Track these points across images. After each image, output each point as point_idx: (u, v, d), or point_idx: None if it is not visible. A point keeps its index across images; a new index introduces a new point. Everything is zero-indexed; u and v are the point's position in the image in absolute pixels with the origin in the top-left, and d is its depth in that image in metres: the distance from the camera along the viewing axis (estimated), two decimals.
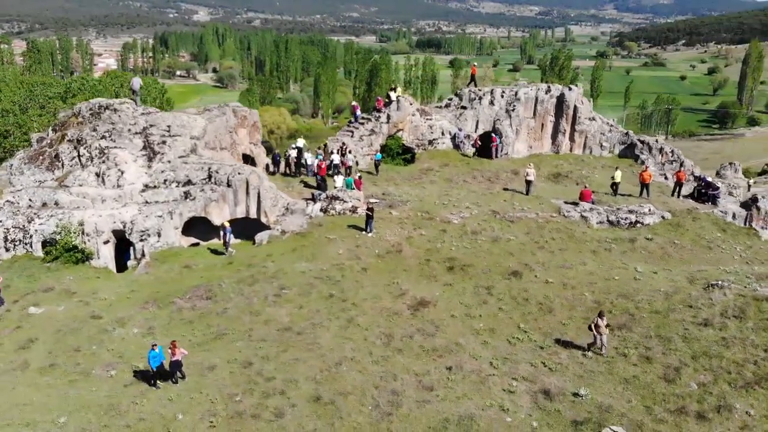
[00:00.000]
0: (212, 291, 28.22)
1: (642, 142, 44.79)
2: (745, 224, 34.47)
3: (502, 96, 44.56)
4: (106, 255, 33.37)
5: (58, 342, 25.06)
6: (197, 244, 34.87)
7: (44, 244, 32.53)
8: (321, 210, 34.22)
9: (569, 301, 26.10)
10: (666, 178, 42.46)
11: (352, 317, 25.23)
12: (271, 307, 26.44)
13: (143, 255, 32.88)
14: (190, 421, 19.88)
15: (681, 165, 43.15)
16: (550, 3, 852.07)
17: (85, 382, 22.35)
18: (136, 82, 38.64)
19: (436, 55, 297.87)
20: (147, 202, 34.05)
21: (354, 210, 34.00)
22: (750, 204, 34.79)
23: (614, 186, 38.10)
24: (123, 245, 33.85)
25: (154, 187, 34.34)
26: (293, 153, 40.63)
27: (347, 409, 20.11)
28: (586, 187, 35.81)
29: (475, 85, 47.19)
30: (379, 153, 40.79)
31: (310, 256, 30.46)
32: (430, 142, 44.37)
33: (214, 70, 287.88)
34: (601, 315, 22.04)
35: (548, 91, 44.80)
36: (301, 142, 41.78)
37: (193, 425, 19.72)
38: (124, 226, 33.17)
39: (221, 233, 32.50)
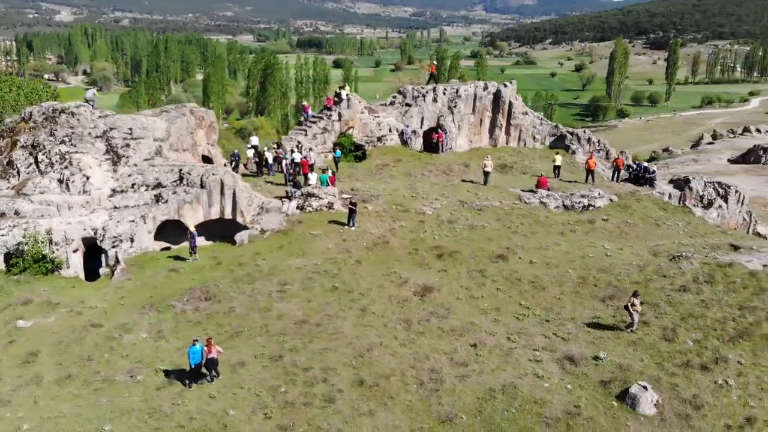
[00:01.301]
0: (210, 292, 28.15)
1: (571, 133, 48.61)
2: (679, 203, 38.69)
3: (444, 93, 46.76)
4: (76, 264, 32.14)
5: (64, 353, 24.25)
6: (168, 248, 34.35)
7: (7, 256, 30.91)
8: (297, 207, 34.73)
9: (556, 278, 28.50)
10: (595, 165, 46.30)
11: (365, 306, 26.22)
12: (279, 303, 26.87)
13: (117, 261, 32.00)
14: (244, 415, 20.25)
15: (607, 153, 47.26)
16: (423, 4, 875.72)
17: (112, 389, 21.96)
18: (90, 93, 37.74)
19: (318, 55, 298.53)
20: (116, 207, 33.06)
21: (330, 206, 34.80)
22: (683, 185, 39.07)
23: (556, 169, 41.87)
24: (91, 253, 32.80)
25: (122, 191, 33.40)
26: (251, 152, 40.67)
27: (394, 390, 21.23)
28: (542, 175, 38.78)
29: (436, 82, 49.14)
30: (338, 150, 41.68)
31: (300, 252, 31.02)
32: (379, 139, 45.78)
33: (85, 72, 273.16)
34: (636, 294, 23.96)
35: (486, 88, 47.54)
36: (255, 140, 41.87)
37: (248, 418, 20.11)
38: (95, 233, 32.12)
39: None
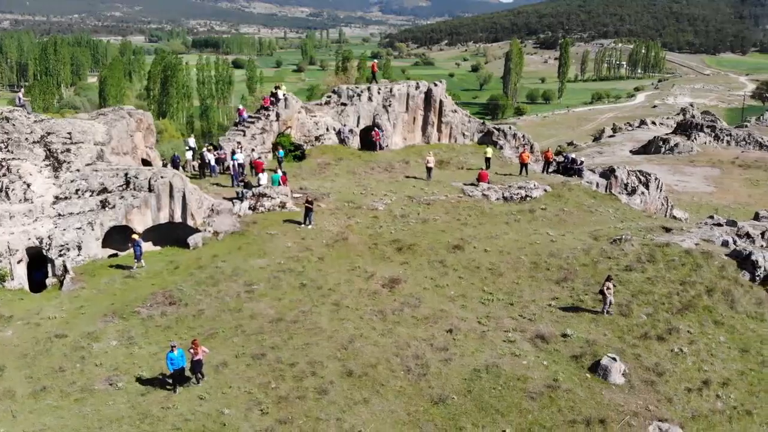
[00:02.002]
0: (174, 296, 27.77)
1: (498, 129, 50.93)
2: (606, 191, 41.59)
3: (379, 92, 47.78)
4: (20, 275, 30.79)
5: (32, 366, 23.38)
6: (116, 255, 33.43)
7: None
8: (249, 208, 34.69)
9: (512, 264, 30.14)
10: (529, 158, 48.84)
11: (337, 301, 26.77)
12: (249, 303, 26.94)
13: (66, 270, 30.86)
14: (239, 413, 20.41)
15: (531, 147, 49.91)
16: (319, 5, 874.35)
17: (94, 399, 21.50)
18: (19, 96, 36.23)
19: (215, 55, 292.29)
20: (60, 214, 31.84)
21: (283, 205, 35.00)
22: (609, 174, 42.02)
23: (487, 161, 44.10)
24: (32, 263, 31.46)
25: (66, 198, 32.21)
26: (189, 154, 40.09)
27: (383, 377, 22.00)
28: (482, 169, 40.58)
29: (376, 82, 49.87)
30: (281, 150, 41.75)
31: (260, 252, 31.08)
32: (317, 138, 46.19)
33: None
34: (609, 279, 25.45)
35: (417, 87, 48.99)
36: (192, 141, 41.30)
37: (245, 416, 20.30)
38: (41, 242, 30.88)
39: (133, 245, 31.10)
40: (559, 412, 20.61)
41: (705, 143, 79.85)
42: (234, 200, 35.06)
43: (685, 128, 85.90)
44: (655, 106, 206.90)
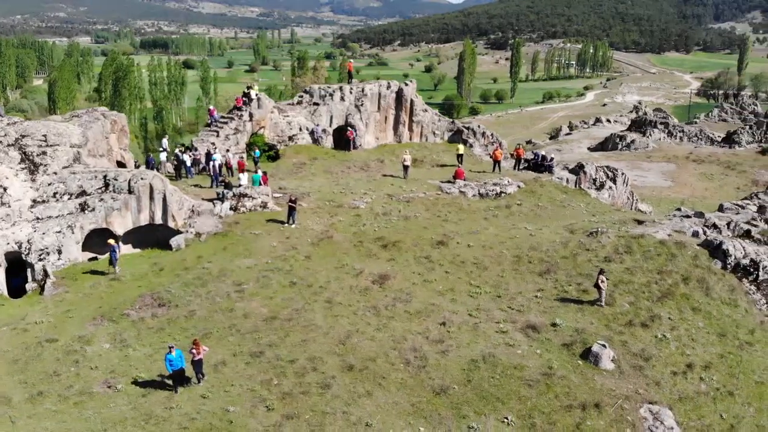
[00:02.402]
0: (163, 297, 27.65)
1: (467, 128, 51.85)
2: (576, 186, 42.86)
3: (351, 92, 48.11)
4: (0, 281, 30.16)
5: (25, 371, 23.08)
6: (95, 258, 32.97)
7: None
8: (231, 208, 34.63)
9: (495, 258, 30.91)
10: (490, 156, 49.91)
11: (329, 298, 27.06)
12: (240, 302, 27.00)
13: (46, 275, 30.34)
14: (245, 410, 20.55)
15: (499, 145, 50.97)
16: (269, 5, 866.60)
17: (94, 402, 21.37)
18: None
19: (164, 55, 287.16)
20: (38, 218, 31.26)
21: (264, 205, 35.04)
22: (578, 170, 43.31)
23: (459, 157, 44.97)
24: (10, 269, 30.82)
25: (44, 201, 31.63)
26: (163, 156, 39.74)
27: (383, 371, 22.43)
28: (458, 167, 41.37)
29: (350, 81, 50.11)
30: (257, 150, 41.70)
31: (246, 252, 31.11)
32: (291, 138, 46.25)
33: None
34: (602, 272, 26.33)
35: (389, 87, 49.50)
36: (166, 143, 40.93)
37: (250, 412, 20.46)
38: (20, 247, 30.31)
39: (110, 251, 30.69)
40: (556, 398, 21.39)
41: (659, 139, 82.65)
42: (215, 201, 34.92)
43: (640, 125, 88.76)
44: (605, 105, 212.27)
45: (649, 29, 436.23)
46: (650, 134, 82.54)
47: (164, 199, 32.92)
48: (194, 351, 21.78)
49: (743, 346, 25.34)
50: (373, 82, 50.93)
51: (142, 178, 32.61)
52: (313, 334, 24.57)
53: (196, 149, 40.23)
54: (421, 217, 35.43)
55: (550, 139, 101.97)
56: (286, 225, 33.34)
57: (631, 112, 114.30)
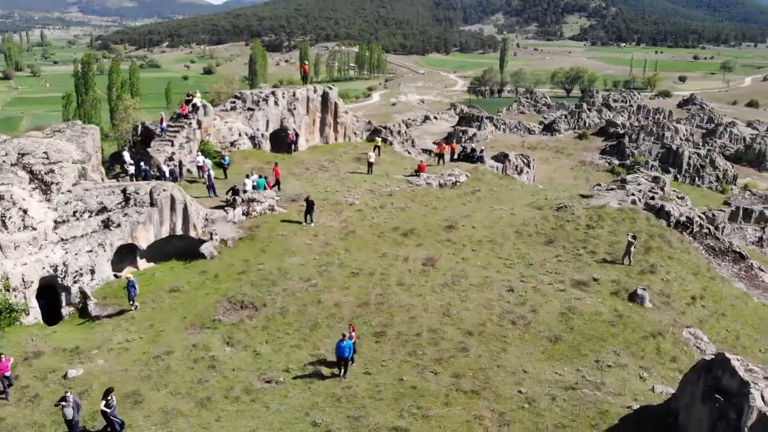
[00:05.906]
0: (241, 300, 28.25)
1: (384, 127, 56.05)
2: (503, 173, 49.42)
3: (284, 97, 49.59)
4: (36, 308, 28.21)
5: (167, 384, 22.95)
6: (117, 276, 31.79)
7: None
8: (243, 214, 35.34)
9: (503, 235, 35.86)
10: (409, 153, 54.89)
11: (399, 282, 29.84)
12: (323, 295, 28.62)
13: (85, 297, 29.06)
14: (416, 377, 23.06)
15: (413, 143, 56.13)
16: (8, 5, 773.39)
17: (268, 395, 22.38)
18: None
19: None
20: (63, 239, 29.57)
21: (272, 209, 36.19)
22: (503, 159, 49.90)
23: (377, 148, 49.66)
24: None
25: (65, 221, 29.91)
26: (132, 169, 38.62)
27: (498, 332, 26.16)
28: (422, 162, 45.54)
29: (305, 83, 50.92)
30: (227, 158, 41.81)
31: (288, 252, 32.35)
32: (232, 144, 46.61)
33: None
34: (634, 237, 32.52)
35: (315, 90, 51.77)
36: (127, 155, 39.68)
37: (423, 377, 23.05)
38: (55, 270, 28.62)
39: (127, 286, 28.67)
40: (633, 331, 27.01)
41: (492, 131, 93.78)
42: (225, 208, 35.32)
43: (469, 121, 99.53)
44: (394, 104, 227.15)
45: (411, 32, 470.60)
46: (484, 127, 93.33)
47: (185, 209, 32.81)
48: (353, 334, 23.74)
49: (710, 281, 33.40)
50: (301, 86, 52.76)
51: (164, 190, 32.17)
52: (413, 312, 27.42)
53: (171, 158, 39.47)
54: (412, 207, 39.16)
55: None
56: (305, 224, 34.98)
57: (449, 109, 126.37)
